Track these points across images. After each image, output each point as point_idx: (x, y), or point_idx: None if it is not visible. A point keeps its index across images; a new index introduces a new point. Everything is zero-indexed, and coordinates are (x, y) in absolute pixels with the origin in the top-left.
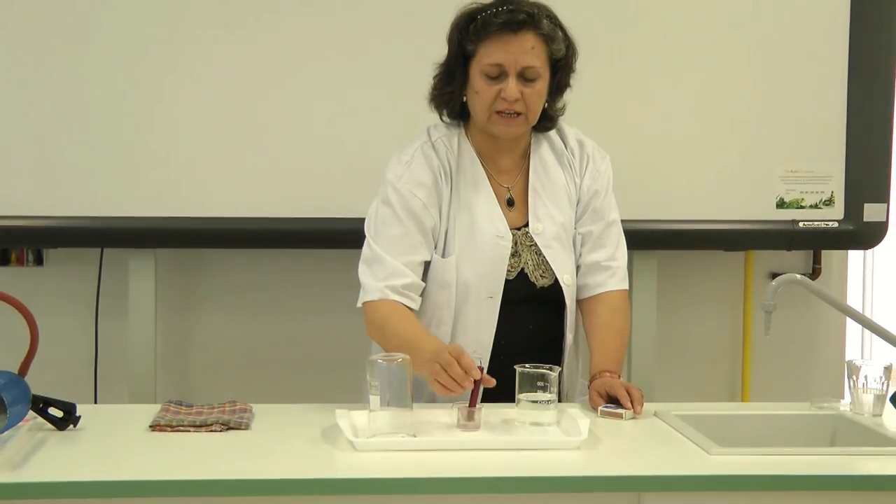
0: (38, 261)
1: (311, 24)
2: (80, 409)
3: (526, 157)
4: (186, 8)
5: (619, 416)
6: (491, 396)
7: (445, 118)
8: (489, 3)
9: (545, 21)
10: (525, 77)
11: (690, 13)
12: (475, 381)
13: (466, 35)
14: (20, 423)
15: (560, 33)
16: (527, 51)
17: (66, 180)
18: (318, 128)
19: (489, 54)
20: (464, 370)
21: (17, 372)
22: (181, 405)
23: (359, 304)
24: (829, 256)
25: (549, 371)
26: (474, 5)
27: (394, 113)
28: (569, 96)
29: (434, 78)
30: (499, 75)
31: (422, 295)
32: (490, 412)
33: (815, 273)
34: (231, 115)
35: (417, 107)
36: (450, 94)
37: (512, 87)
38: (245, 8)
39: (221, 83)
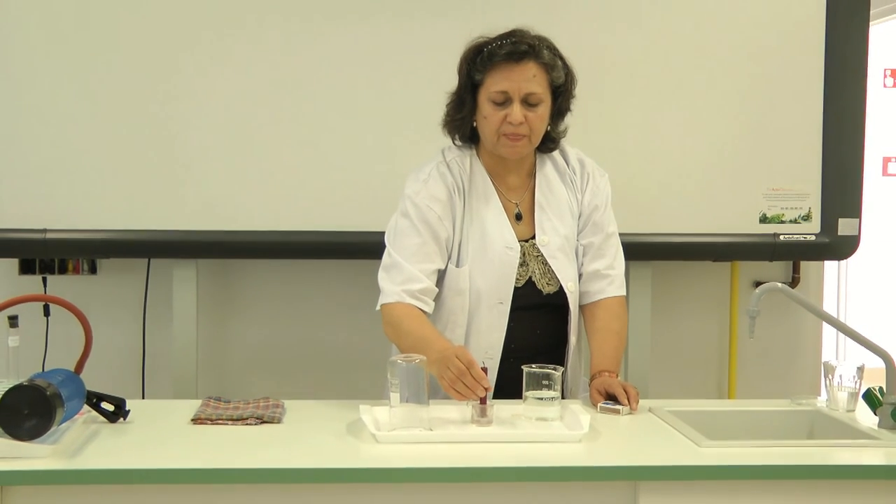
0: (92, 270)
1: (344, 60)
2: (129, 404)
3: (532, 175)
4: (226, 37)
5: (617, 412)
6: (502, 394)
7: (457, 141)
8: (494, 36)
9: (545, 51)
10: (528, 102)
11: (682, 50)
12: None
13: (474, 66)
14: (76, 416)
15: (559, 62)
16: (529, 79)
17: (116, 198)
18: (342, 152)
19: (495, 83)
20: (475, 380)
21: (73, 370)
22: (220, 401)
23: (377, 307)
24: (807, 266)
25: (553, 371)
26: (481, 39)
27: (409, 138)
28: (570, 120)
29: (447, 106)
30: (504, 101)
31: (436, 300)
32: (500, 408)
33: (794, 282)
34: (266, 141)
35: (432, 132)
36: (461, 120)
37: (516, 111)
38: (283, 38)
39: (257, 114)
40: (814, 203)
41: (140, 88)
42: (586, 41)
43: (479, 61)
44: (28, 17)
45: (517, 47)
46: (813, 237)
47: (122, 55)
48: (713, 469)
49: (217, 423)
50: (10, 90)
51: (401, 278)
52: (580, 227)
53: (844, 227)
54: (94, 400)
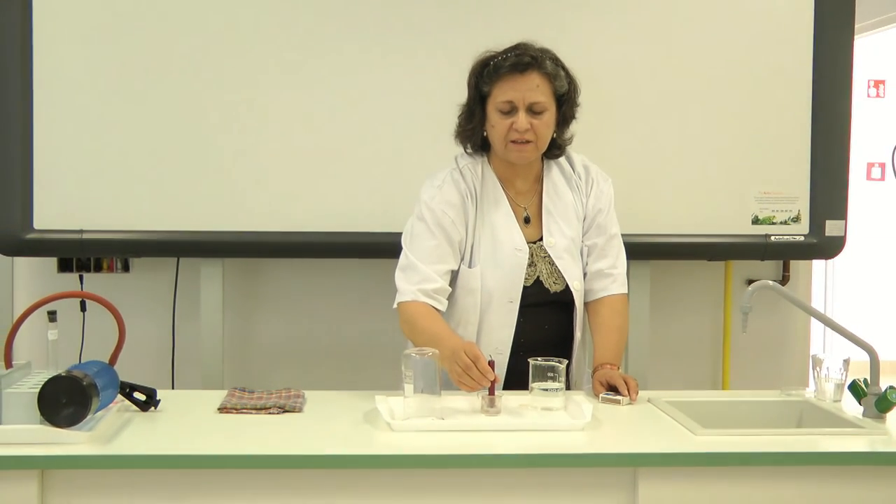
0: (126, 268)
1: (365, 68)
2: (160, 394)
3: (539, 180)
4: (250, 45)
5: (618, 403)
6: (513, 386)
7: (469, 150)
8: (500, 50)
9: (548, 62)
10: (533, 110)
11: (679, 64)
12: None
13: (482, 78)
14: (110, 405)
15: (562, 72)
16: (532, 88)
17: (148, 201)
18: (361, 158)
19: (501, 93)
20: (481, 373)
21: (107, 362)
22: (244, 391)
23: (394, 306)
24: (797, 265)
25: (557, 363)
26: (488, 53)
27: (424, 145)
28: (576, 127)
29: (458, 117)
30: (510, 110)
31: (449, 299)
32: (507, 398)
33: (784, 279)
34: (288, 149)
35: (445, 140)
36: (471, 130)
37: (522, 119)
38: (306, 45)
39: (280, 124)
40: (802, 206)
41: (170, 98)
42: (588, 53)
43: (486, 74)
44: (65, 27)
45: (521, 59)
46: (802, 238)
47: (153, 65)
48: (708, 456)
49: (242, 413)
50: (48, 102)
51: (416, 278)
52: (585, 228)
53: (831, 228)
54: (127, 390)
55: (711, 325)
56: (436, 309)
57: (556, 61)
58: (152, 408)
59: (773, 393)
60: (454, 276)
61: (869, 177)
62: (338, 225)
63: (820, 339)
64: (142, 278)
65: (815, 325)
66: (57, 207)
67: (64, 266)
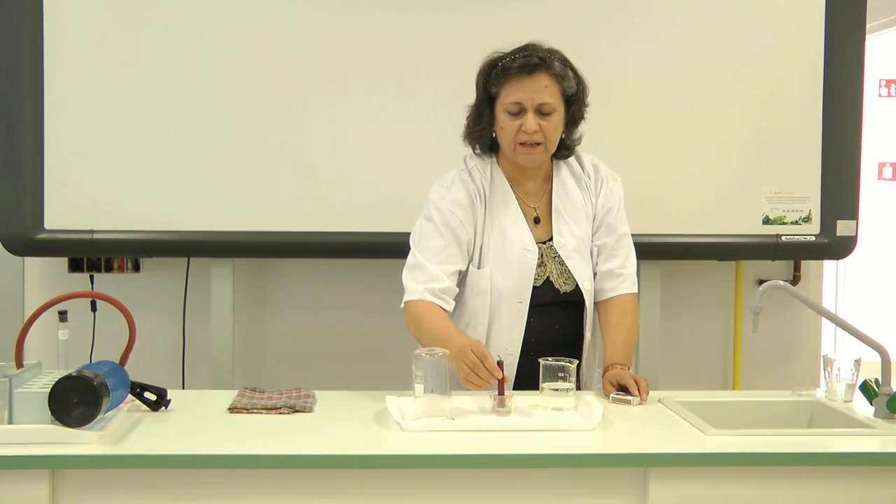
0: (136, 268)
1: (374, 67)
2: (170, 394)
3: (549, 180)
4: (258, 46)
5: (628, 403)
6: (524, 386)
7: (478, 151)
8: (508, 51)
9: (556, 63)
10: (541, 112)
11: (689, 63)
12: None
13: (490, 80)
14: (121, 405)
15: (570, 73)
16: (541, 89)
17: (158, 201)
18: (369, 159)
19: (509, 94)
20: (489, 371)
21: (118, 362)
22: (255, 391)
23: (402, 305)
24: (807, 265)
25: (568, 363)
26: (496, 54)
27: (432, 146)
28: (584, 127)
29: (467, 118)
30: (519, 112)
31: (457, 300)
32: (517, 398)
33: (795, 279)
34: (297, 149)
35: (454, 141)
36: (480, 131)
37: (530, 121)
38: (314, 45)
39: (289, 124)
40: (813, 205)
41: (180, 99)
42: (597, 53)
43: (494, 75)
44: (75, 28)
45: (529, 60)
46: (813, 238)
47: (164, 66)
48: (718, 456)
49: (252, 412)
50: (59, 102)
51: (424, 278)
52: (594, 228)
53: (842, 228)
54: (138, 390)
55: (722, 325)
56: (442, 309)
57: (565, 62)
58: (163, 408)
59: (783, 393)
60: (463, 277)
61: (880, 176)
62: (347, 225)
63: (831, 340)
64: (152, 278)
65: (826, 325)
66: (68, 207)
67: (74, 266)
